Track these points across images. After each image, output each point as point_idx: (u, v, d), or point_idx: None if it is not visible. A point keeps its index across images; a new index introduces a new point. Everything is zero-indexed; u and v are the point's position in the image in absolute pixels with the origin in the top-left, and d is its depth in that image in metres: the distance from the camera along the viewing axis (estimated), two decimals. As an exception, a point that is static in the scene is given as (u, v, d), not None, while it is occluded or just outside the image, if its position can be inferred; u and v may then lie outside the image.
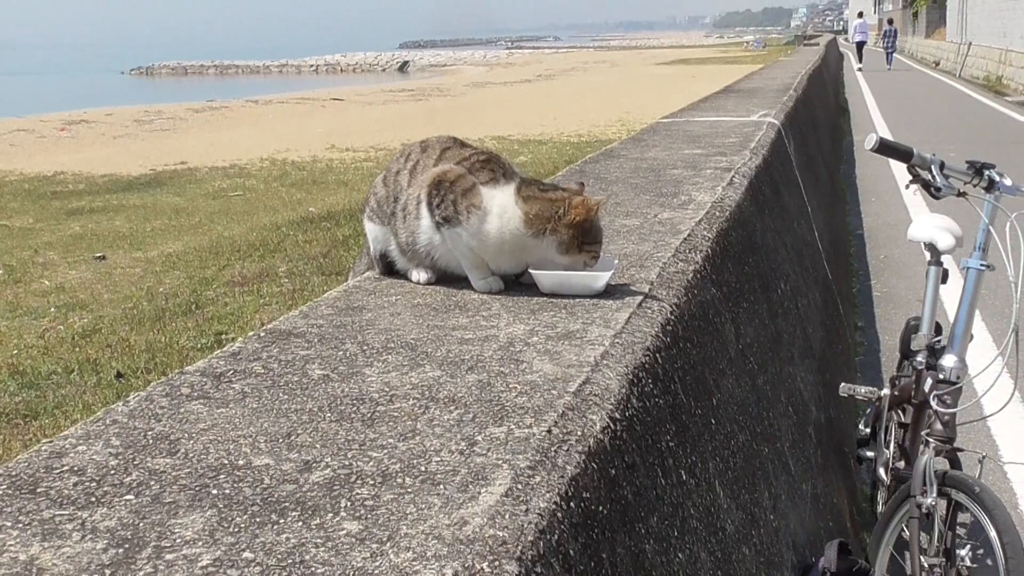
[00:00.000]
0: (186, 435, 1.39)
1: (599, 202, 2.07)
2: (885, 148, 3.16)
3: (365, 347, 1.76)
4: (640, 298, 2.07)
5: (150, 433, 1.40)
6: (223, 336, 5.89)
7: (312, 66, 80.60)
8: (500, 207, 2.04)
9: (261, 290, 7.03)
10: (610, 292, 2.10)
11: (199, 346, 5.69)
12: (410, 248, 2.17)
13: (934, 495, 2.84)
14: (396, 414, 1.45)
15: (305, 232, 9.19)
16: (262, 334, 1.85)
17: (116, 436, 1.39)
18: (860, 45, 39.44)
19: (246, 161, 16.79)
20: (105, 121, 27.93)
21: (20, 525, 1.14)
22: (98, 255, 8.99)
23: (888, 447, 3.68)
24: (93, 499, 1.20)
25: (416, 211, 2.12)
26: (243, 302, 6.72)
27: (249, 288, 7.12)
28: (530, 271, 2.10)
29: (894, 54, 39.01)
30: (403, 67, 76.98)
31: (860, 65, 36.86)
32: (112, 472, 1.27)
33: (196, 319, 6.36)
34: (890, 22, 39.40)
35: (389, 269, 2.27)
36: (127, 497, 1.20)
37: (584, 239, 2.05)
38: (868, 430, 3.95)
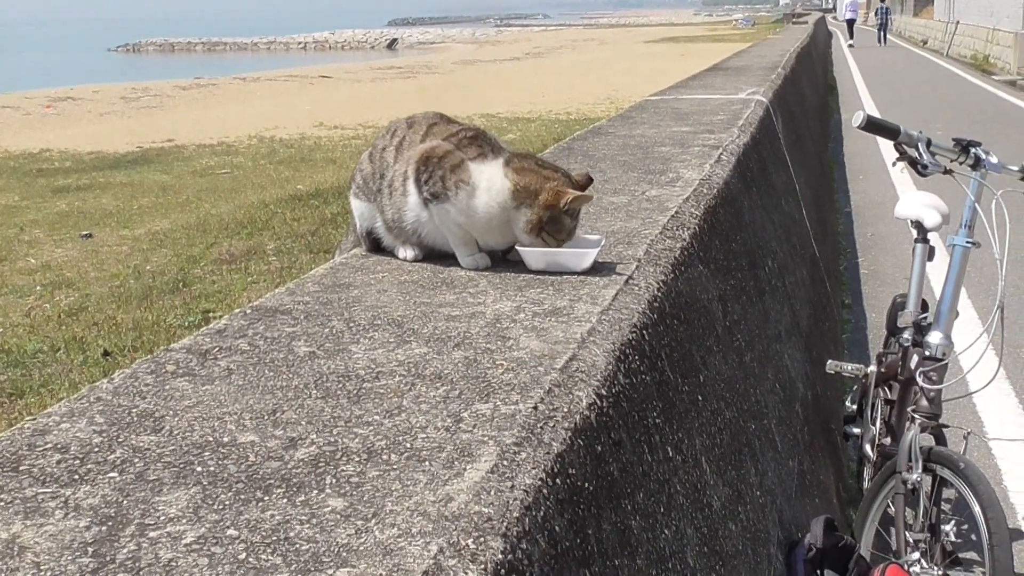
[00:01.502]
0: (171, 412, 1.38)
1: (577, 198, 2.04)
2: (872, 126, 3.15)
3: (351, 324, 1.76)
4: (627, 275, 2.07)
5: (134, 410, 1.39)
6: (210, 314, 5.88)
7: (300, 43, 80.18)
8: (488, 181, 2.04)
9: (249, 268, 7.01)
10: (597, 269, 2.10)
11: (186, 324, 5.67)
12: (397, 225, 2.16)
13: (919, 471, 2.86)
14: (382, 391, 1.44)
15: (293, 210, 9.16)
16: (248, 311, 1.84)
17: (100, 413, 1.38)
18: (851, 23, 39.60)
19: (234, 139, 16.71)
20: (91, 98, 27.76)
21: (2, 503, 1.13)
22: (84, 233, 8.95)
23: (874, 424, 3.69)
24: (76, 477, 1.19)
25: (403, 187, 2.11)
26: (231, 280, 6.70)
27: (237, 266, 7.10)
28: (517, 248, 2.09)
29: (887, 32, 39.08)
30: (391, 44, 76.63)
31: (851, 42, 36.96)
32: (96, 450, 1.26)
33: (183, 297, 6.33)
34: (882, 0, 39.46)
35: (376, 246, 2.26)
36: (111, 475, 1.19)
37: (548, 225, 2.04)
38: (855, 407, 3.96)
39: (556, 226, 2.04)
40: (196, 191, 11.43)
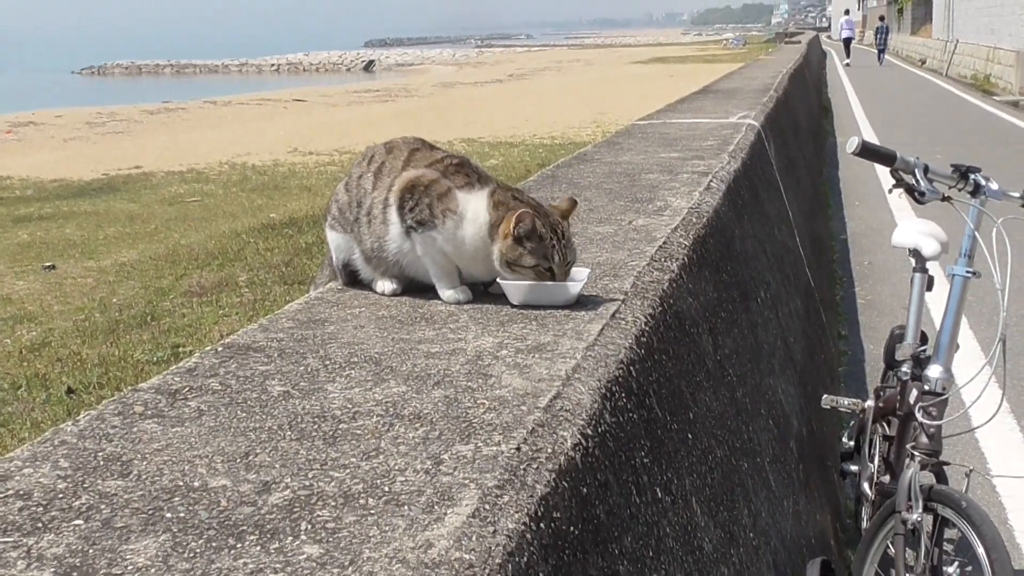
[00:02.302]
0: (139, 456, 1.39)
1: (519, 217, 2.03)
2: (867, 152, 3.18)
3: (327, 362, 1.77)
4: (614, 309, 2.08)
5: (101, 454, 1.39)
6: (180, 349, 5.87)
7: (273, 65, 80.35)
8: (474, 212, 2.07)
9: (220, 300, 7.00)
10: (582, 303, 2.12)
11: (155, 360, 5.66)
12: (376, 255, 2.17)
13: (920, 510, 2.87)
14: (359, 432, 1.45)
15: (266, 240, 9.16)
16: (219, 349, 1.85)
17: (65, 458, 1.39)
18: (847, 41, 40.17)
19: (204, 165, 16.72)
20: (55, 123, 27.74)
21: (-37, 552, 1.13)
22: (48, 264, 8.93)
23: (872, 461, 3.71)
24: (40, 525, 1.19)
25: (383, 215, 2.13)
26: (201, 313, 6.69)
27: (208, 298, 7.09)
28: (498, 281, 2.11)
29: (886, 52, 39.55)
30: (368, 66, 76.89)
31: (847, 61, 37.40)
32: (60, 496, 1.27)
33: (152, 331, 6.32)
34: (881, 19, 40.00)
35: (353, 279, 2.28)
36: (76, 522, 1.20)
37: (510, 256, 2.04)
38: (852, 443, 3.97)
39: (516, 254, 2.05)
40: (165, 220, 11.43)
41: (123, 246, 9.84)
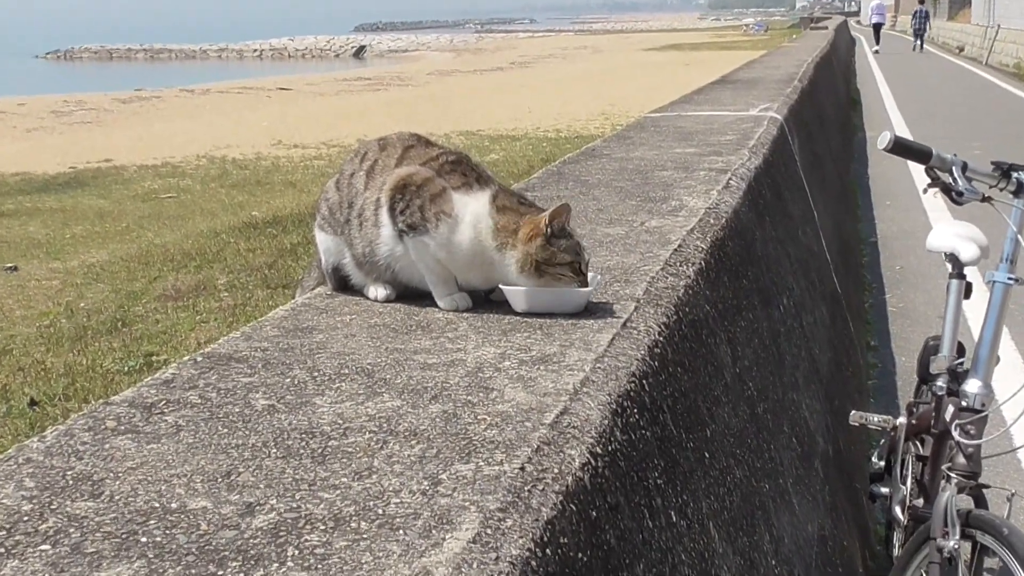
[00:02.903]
0: (112, 475, 1.39)
1: (555, 212, 2.05)
2: (900, 148, 3.18)
3: (316, 373, 1.77)
4: (625, 317, 2.09)
5: (70, 473, 1.40)
6: (154, 358, 5.87)
7: (256, 51, 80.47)
8: (473, 216, 2.06)
9: (198, 305, 7.01)
10: (591, 311, 2.12)
11: (126, 369, 5.67)
12: (367, 260, 2.18)
13: (957, 537, 2.87)
14: (350, 449, 1.46)
15: (248, 239, 9.17)
16: (199, 359, 1.85)
17: (30, 477, 1.39)
18: (877, 27, 40.18)
19: (180, 159, 16.74)
20: (17, 112, 27.77)
21: (-78, 578, 1.14)
22: (9, 266, 8.94)
23: (905, 483, 3.71)
24: (2, 550, 1.20)
25: (375, 217, 2.13)
26: (177, 319, 6.70)
27: (184, 303, 7.09)
28: (501, 287, 2.12)
29: (924, 36, 39.60)
30: (359, 53, 76.99)
31: (877, 48, 37.41)
32: (26, 519, 1.27)
33: (123, 338, 6.33)
34: (921, 1, 39.98)
35: (343, 284, 2.28)
36: (43, 547, 1.20)
37: (541, 256, 2.05)
38: (882, 463, 3.97)
39: (549, 252, 2.06)
40: (137, 218, 11.44)
41: (92, 246, 9.85)
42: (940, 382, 3.37)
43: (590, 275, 2.18)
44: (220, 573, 1.14)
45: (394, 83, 36.96)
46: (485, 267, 2.10)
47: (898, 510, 3.70)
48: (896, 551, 3.63)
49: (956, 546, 2.86)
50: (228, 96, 33.10)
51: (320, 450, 1.45)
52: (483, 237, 2.06)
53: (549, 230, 2.05)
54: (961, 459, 3.07)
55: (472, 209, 2.07)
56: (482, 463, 1.41)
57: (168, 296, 7.33)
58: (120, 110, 28.68)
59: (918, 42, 38.97)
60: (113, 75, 54.30)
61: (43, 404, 5.23)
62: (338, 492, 1.32)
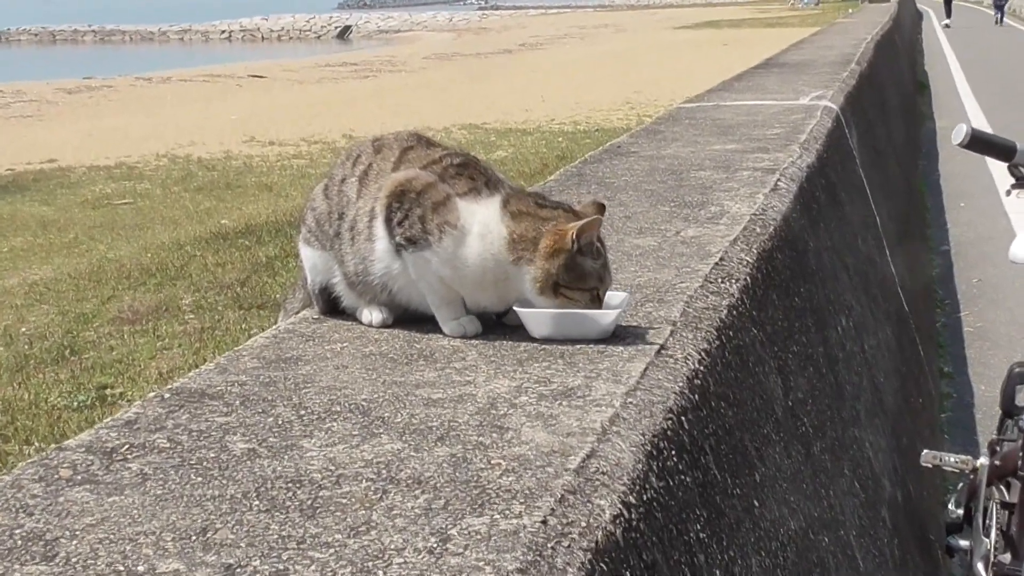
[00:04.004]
0: (68, 533, 1.40)
1: (584, 227, 2.05)
2: (978, 143, 3.19)
3: (303, 412, 1.78)
4: (659, 343, 2.09)
5: (18, 531, 1.41)
6: (108, 391, 5.88)
7: (224, 32, 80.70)
8: (483, 226, 2.07)
9: (158, 329, 7.01)
10: (620, 336, 2.13)
11: (76, 405, 5.67)
12: (360, 279, 2.19)
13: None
14: (344, 501, 1.46)
15: (216, 252, 9.18)
16: (166, 395, 1.86)
17: (-25, 534, 1.40)
18: None
19: (137, 158, 16.77)
20: (-54, 105, 27.85)
21: None
22: (-60, 284, 8.95)
23: (988, 535, 3.70)
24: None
25: (369, 230, 2.14)
26: (134, 345, 6.70)
27: (142, 327, 7.10)
28: (516, 309, 2.12)
29: (1005, 7, 39.62)
30: (343, 34, 77.18)
31: (947, 21, 37.43)
32: (-29, 583, 1.28)
33: (71, 368, 6.33)
34: None
35: (332, 307, 2.29)
36: (-7, 616, 1.21)
37: (564, 278, 2.06)
38: (961, 511, 3.97)
39: (575, 274, 2.06)
40: (87, 228, 11.46)
41: (34, 261, 9.87)
42: (1027, 416, 3.36)
43: (620, 295, 2.18)
44: (197, 646, 1.15)
45: (385, 69, 37.04)
46: (499, 285, 2.10)
47: (980, 567, 3.69)
48: (977, 613, 3.61)
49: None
50: (192, 85, 33.18)
51: (309, 502, 1.46)
52: (495, 250, 2.07)
53: (576, 246, 2.05)
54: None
55: (481, 218, 2.07)
56: (497, 515, 1.41)
57: (124, 319, 7.34)
58: (66, 102, 28.76)
59: (999, 14, 38.98)
60: (57, 61, 54.48)
61: (-21, 446, 5.23)
62: (331, 551, 1.33)
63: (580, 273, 2.07)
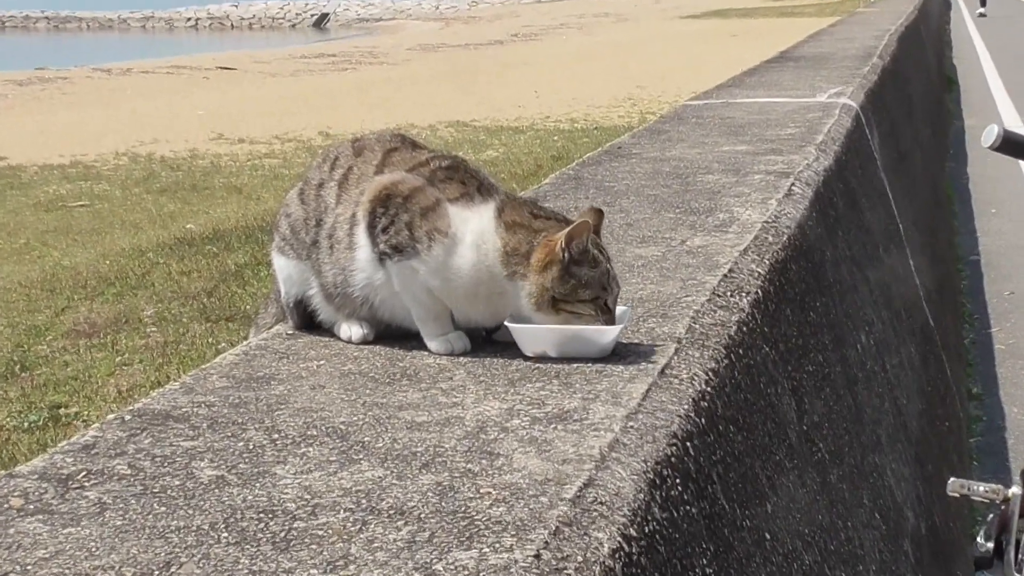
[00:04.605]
0: (18, 568, 1.40)
1: (573, 231, 2.06)
2: (1011, 145, 3.19)
3: (276, 435, 1.78)
4: (663, 363, 2.10)
5: (-32, 564, 1.41)
6: (62, 410, 5.87)
7: (190, 20, 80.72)
8: (476, 235, 2.08)
9: (118, 343, 7.00)
10: (620, 354, 2.13)
11: (26, 425, 5.66)
12: (339, 291, 2.19)
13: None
14: (321, 533, 1.47)
15: (181, 259, 9.17)
16: (127, 417, 1.87)
17: (-81, 569, 1.40)
18: None
19: (94, 156, 16.74)
20: None
21: None
22: None
23: (1020, 570, 3.71)
24: None
25: (349, 238, 2.15)
26: (91, 361, 6.70)
27: (100, 340, 7.09)
28: (507, 325, 2.13)
29: None
30: (320, 22, 77.22)
31: (982, 10, 37.45)
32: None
33: (21, 386, 6.33)
34: None
35: (308, 321, 2.29)
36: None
37: (560, 291, 2.06)
38: (991, 545, 3.97)
39: (571, 286, 2.07)
40: (40, 232, 11.44)
41: (-18, 269, 9.85)
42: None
43: (619, 309, 2.19)
44: None
45: (365, 61, 37.02)
46: (492, 300, 2.11)
47: (1010, 604, 3.69)
48: (1008, 656, 3.62)
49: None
50: (155, 77, 33.15)
51: (283, 534, 1.47)
52: (489, 262, 2.07)
53: (567, 255, 2.06)
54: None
55: (475, 226, 2.08)
56: (487, 549, 1.42)
57: (80, 332, 7.33)
58: (16, 94, 28.71)
59: None
60: (6, 50, 54.41)
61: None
62: (307, 587, 1.34)
63: (577, 284, 2.07)
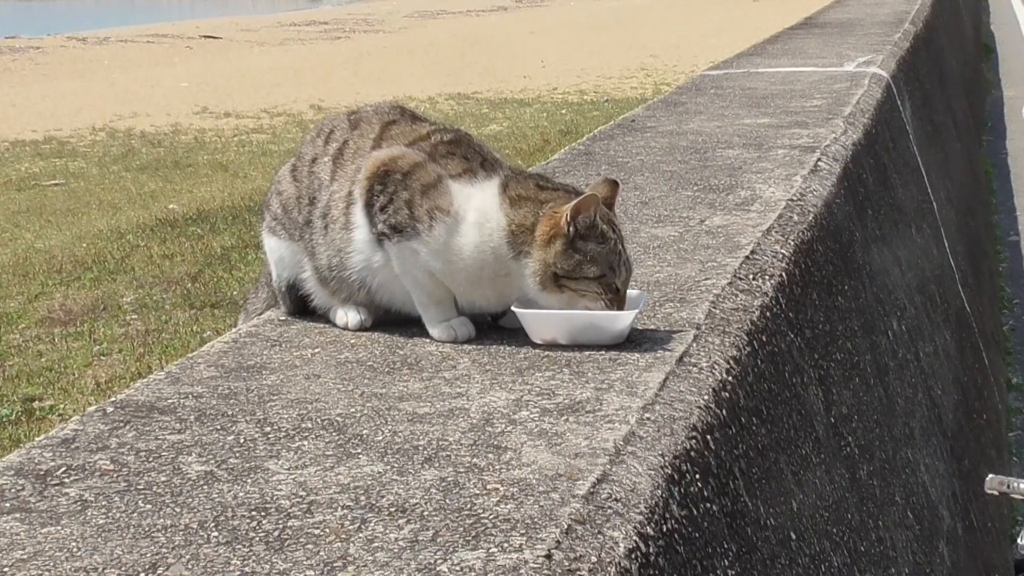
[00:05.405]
0: (-2, 566, 1.41)
1: (579, 205, 2.05)
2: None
3: (268, 428, 1.78)
4: (681, 350, 2.10)
5: (-57, 565, 1.41)
6: (36, 404, 5.87)
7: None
8: (480, 213, 2.07)
9: (95, 332, 7.01)
10: (635, 341, 2.13)
11: (-2, 420, 5.67)
12: (335, 274, 2.19)
13: None
14: (317, 531, 1.47)
15: (163, 242, 9.17)
16: (109, 409, 1.87)
17: None
18: None
19: (69, 132, 16.74)
20: None
21: None
22: None
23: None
24: None
25: (345, 218, 2.15)
26: (67, 350, 6.70)
27: (76, 329, 7.10)
28: (514, 310, 2.13)
29: None
30: (311, -14, 76.99)
31: None
32: None
33: (-7, 378, 6.33)
34: None
35: (302, 306, 2.30)
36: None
37: (563, 268, 2.06)
38: (1030, 545, 3.97)
39: (574, 261, 2.06)
40: (11, 213, 11.44)
41: (-50, 252, 9.85)
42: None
43: (632, 293, 2.18)
44: None
45: (359, 28, 36.96)
46: (497, 282, 2.11)
47: (1052, 608, 3.70)
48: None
49: None
50: (134, 47, 33.11)
51: (276, 532, 1.47)
52: (494, 242, 2.07)
53: (572, 229, 2.05)
54: None
55: (478, 204, 2.08)
56: (494, 549, 1.42)
57: (55, 319, 7.34)
58: (-14, 66, 28.68)
59: None
60: (-25, 19, 54.30)
61: None
62: (303, 589, 1.34)
63: (582, 259, 2.06)
